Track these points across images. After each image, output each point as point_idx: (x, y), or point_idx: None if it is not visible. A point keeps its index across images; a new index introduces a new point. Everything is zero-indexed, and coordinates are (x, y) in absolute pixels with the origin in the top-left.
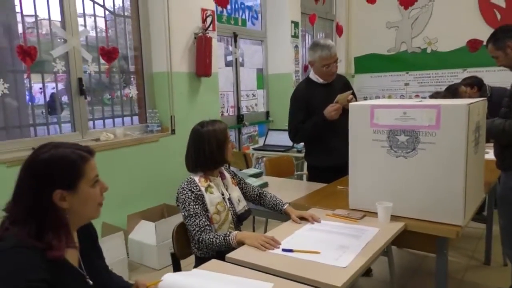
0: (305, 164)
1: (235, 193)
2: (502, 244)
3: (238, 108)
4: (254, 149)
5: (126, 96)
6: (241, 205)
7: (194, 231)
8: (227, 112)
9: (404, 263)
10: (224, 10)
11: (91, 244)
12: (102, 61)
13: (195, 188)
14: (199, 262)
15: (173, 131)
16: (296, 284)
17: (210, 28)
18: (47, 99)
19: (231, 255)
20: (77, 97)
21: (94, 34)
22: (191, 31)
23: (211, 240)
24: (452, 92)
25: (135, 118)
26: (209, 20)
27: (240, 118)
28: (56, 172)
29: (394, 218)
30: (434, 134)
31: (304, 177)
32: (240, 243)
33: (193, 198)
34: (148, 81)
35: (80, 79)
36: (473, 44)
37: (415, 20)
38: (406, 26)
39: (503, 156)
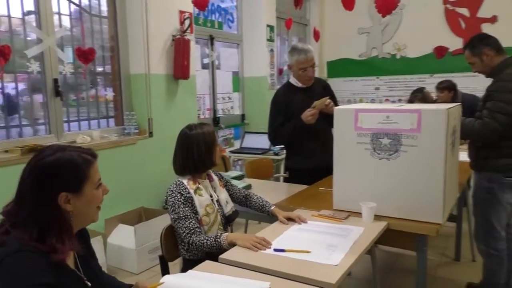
0: (282, 166)
1: (223, 195)
2: (476, 240)
3: (214, 111)
4: (231, 151)
5: (103, 98)
6: (229, 207)
7: (184, 234)
8: (203, 114)
9: (380, 261)
10: (201, 12)
11: (86, 246)
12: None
13: (184, 190)
14: (187, 264)
15: (150, 134)
16: (291, 282)
17: (188, 31)
18: (21, 99)
19: (225, 256)
20: (53, 98)
21: (70, 34)
22: (169, 33)
23: (202, 242)
24: (419, 95)
25: (111, 121)
26: (187, 22)
27: (216, 121)
28: (62, 175)
29: (377, 217)
30: (416, 137)
31: (281, 179)
32: (232, 245)
33: (182, 201)
34: (125, 83)
35: (55, 80)
36: (440, 51)
37: (386, 27)
38: (376, 32)
39: (476, 157)
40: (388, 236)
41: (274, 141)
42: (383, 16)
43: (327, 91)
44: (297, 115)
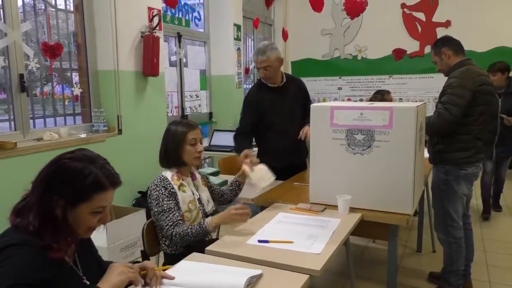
0: None
1: (205, 193)
2: (436, 230)
3: (183, 109)
4: None
5: (68, 96)
6: (210, 206)
7: (168, 226)
8: (171, 112)
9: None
10: (169, 9)
11: (85, 241)
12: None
13: (168, 185)
14: (169, 258)
15: (120, 131)
16: (278, 270)
17: (157, 28)
18: None
19: (211, 247)
20: (18, 94)
21: (35, 28)
22: (137, 29)
23: (186, 231)
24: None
25: (78, 118)
26: (156, 19)
27: (184, 119)
28: (68, 184)
29: (352, 209)
30: (388, 133)
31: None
32: (216, 227)
33: (166, 194)
34: (93, 79)
35: (21, 75)
36: (398, 53)
37: (347, 29)
38: (339, 34)
39: (434, 151)
40: (362, 227)
41: (234, 141)
42: (352, 18)
43: (301, 92)
44: (268, 114)
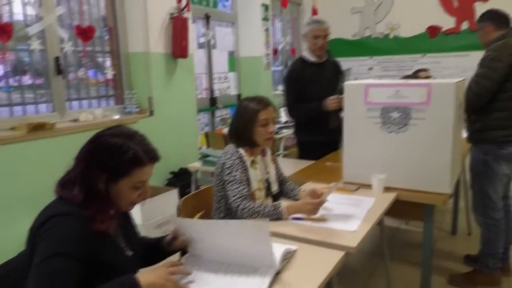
0: (282, 144)
1: (273, 171)
2: (474, 211)
3: (211, 91)
4: None
5: (102, 80)
6: (276, 186)
7: (235, 197)
8: (200, 94)
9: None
10: None
11: (126, 215)
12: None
13: (242, 158)
14: None
15: (151, 113)
16: (313, 246)
17: (185, 9)
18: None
19: None
20: (55, 76)
21: (68, 13)
22: (166, 11)
23: (258, 209)
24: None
25: (111, 101)
26: (184, 0)
27: (213, 101)
28: (109, 159)
29: (386, 189)
30: (425, 110)
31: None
32: (290, 215)
33: (241, 166)
34: (125, 62)
35: (57, 58)
36: (433, 30)
37: (378, 6)
38: (369, 11)
39: (472, 130)
40: (396, 207)
41: (290, 116)
42: None
43: (337, 70)
44: (308, 90)
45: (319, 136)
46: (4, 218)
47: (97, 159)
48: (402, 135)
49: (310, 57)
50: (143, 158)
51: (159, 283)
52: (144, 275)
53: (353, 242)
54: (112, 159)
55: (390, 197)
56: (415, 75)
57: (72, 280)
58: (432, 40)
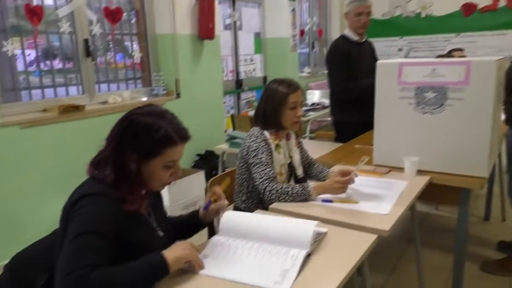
0: (308, 127)
1: (297, 156)
2: (509, 196)
3: (237, 73)
4: None
5: (129, 64)
6: (300, 170)
7: (262, 179)
8: (226, 76)
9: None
10: None
11: (157, 195)
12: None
13: (267, 141)
14: None
15: (178, 95)
16: (343, 229)
17: None
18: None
19: (274, 206)
20: (84, 58)
21: None
22: None
23: (286, 189)
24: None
25: (138, 83)
26: None
27: (239, 83)
28: (140, 139)
29: (418, 172)
30: (463, 90)
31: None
32: (318, 195)
33: (266, 149)
34: (152, 44)
35: (86, 40)
36: (467, 8)
37: None
38: None
39: (510, 112)
40: (429, 191)
41: (343, 94)
42: None
43: (373, 51)
44: (352, 69)
45: (360, 115)
46: (37, 198)
47: (128, 138)
48: (438, 116)
49: (352, 35)
50: (174, 137)
51: (183, 254)
52: (168, 250)
53: (386, 225)
54: (143, 138)
55: (423, 180)
56: (449, 55)
57: (102, 257)
58: (466, 18)
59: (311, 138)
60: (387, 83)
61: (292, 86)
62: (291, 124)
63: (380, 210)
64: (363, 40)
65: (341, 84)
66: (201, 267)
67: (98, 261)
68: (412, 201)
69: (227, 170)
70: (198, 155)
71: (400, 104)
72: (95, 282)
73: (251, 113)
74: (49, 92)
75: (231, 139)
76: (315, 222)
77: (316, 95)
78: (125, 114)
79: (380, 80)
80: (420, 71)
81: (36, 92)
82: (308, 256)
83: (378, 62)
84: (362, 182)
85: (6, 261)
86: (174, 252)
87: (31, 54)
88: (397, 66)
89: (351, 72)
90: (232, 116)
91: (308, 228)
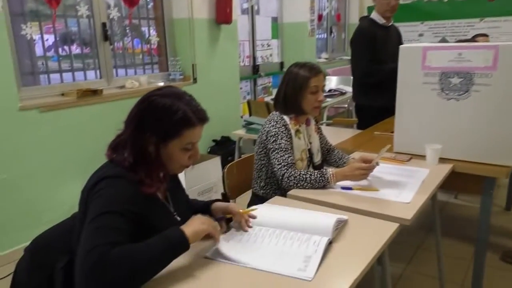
0: (325, 114)
1: (316, 142)
2: None
3: (254, 58)
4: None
5: (145, 49)
6: (319, 156)
7: (280, 165)
8: (242, 62)
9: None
10: None
11: (175, 179)
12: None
13: (287, 127)
14: (257, 200)
15: (195, 80)
16: (364, 217)
17: None
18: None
19: (292, 192)
20: (102, 42)
21: None
22: None
23: (304, 176)
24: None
25: (155, 69)
26: None
27: (255, 69)
28: (159, 120)
29: (441, 160)
30: (491, 75)
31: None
32: (337, 182)
33: (286, 134)
34: (169, 28)
35: (104, 24)
36: None
37: None
38: None
39: None
40: (451, 180)
41: (366, 77)
42: None
43: (399, 36)
44: (378, 53)
45: (383, 100)
46: (56, 181)
47: (146, 119)
48: (463, 102)
49: (379, 19)
50: (192, 118)
51: (203, 228)
52: (186, 225)
53: (408, 214)
54: (161, 120)
55: (446, 168)
56: (473, 40)
57: (122, 235)
58: (491, 3)
59: (328, 125)
60: (410, 68)
61: (314, 70)
62: (311, 108)
63: (402, 198)
64: (390, 24)
65: (365, 67)
66: (218, 240)
67: (119, 238)
68: (434, 190)
69: (243, 156)
70: (214, 140)
71: (424, 89)
72: (116, 258)
73: (268, 99)
74: (67, 76)
75: (248, 125)
76: (336, 216)
77: (333, 81)
78: (144, 95)
79: (403, 65)
80: (445, 56)
81: (54, 77)
82: (330, 243)
83: (401, 46)
84: (382, 170)
85: (26, 244)
86: (193, 227)
87: (49, 39)
88: (421, 50)
89: (376, 55)
90: (249, 102)
91: (330, 216)
